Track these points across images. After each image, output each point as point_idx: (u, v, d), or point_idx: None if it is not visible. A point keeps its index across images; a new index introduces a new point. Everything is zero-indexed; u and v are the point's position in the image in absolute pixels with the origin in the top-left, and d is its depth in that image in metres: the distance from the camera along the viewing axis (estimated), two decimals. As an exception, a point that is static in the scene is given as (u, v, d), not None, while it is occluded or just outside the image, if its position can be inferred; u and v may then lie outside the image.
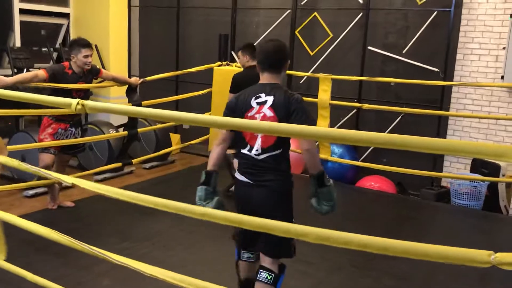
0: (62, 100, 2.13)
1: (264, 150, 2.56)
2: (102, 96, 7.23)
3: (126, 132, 5.42)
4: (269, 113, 2.55)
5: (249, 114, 2.60)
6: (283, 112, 2.54)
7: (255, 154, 2.57)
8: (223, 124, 2.07)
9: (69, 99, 2.07)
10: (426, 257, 1.66)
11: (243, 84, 4.99)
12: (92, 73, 4.56)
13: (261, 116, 2.56)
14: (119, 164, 5.55)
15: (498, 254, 1.62)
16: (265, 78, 2.68)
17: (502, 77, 5.38)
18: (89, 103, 2.03)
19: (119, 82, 5.12)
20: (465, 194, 5.31)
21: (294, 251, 2.62)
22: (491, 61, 5.62)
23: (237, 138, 2.66)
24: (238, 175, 2.66)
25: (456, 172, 5.83)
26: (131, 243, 3.95)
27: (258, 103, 2.60)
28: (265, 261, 2.59)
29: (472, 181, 5.32)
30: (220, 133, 2.72)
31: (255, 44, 6.91)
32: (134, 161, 5.76)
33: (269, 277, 2.55)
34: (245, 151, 2.61)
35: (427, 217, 5.09)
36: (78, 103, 2.02)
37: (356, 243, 1.65)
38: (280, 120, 2.52)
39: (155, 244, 3.95)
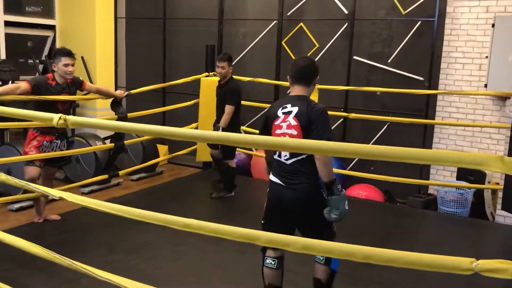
0: (44, 115, 2.11)
1: (291, 155, 2.86)
2: (89, 108, 7.20)
3: (112, 144, 5.39)
4: (293, 122, 2.86)
5: (275, 123, 2.93)
6: (305, 121, 2.84)
7: (284, 159, 2.89)
8: (208, 138, 2.07)
9: (51, 114, 2.05)
10: (410, 265, 1.68)
11: (241, 94, 5.30)
12: (75, 85, 4.54)
13: (286, 125, 2.89)
14: (106, 176, 5.51)
15: (480, 261, 1.64)
16: (295, 90, 2.98)
17: (486, 86, 5.45)
18: (71, 118, 2.02)
19: (103, 94, 5.10)
20: (452, 202, 5.35)
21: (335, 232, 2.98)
22: (474, 70, 5.69)
23: None
24: (272, 177, 2.97)
25: (442, 180, 5.87)
26: (118, 255, 3.92)
27: (283, 113, 2.91)
28: None
29: (458, 189, 5.36)
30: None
31: (242, 54, 7.00)
32: (121, 172, 5.72)
33: (321, 258, 2.97)
34: (276, 156, 2.95)
35: (415, 225, 5.11)
36: (60, 118, 2.01)
37: (339, 252, 1.66)
38: (302, 128, 2.84)
39: (142, 257, 3.92)
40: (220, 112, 5.38)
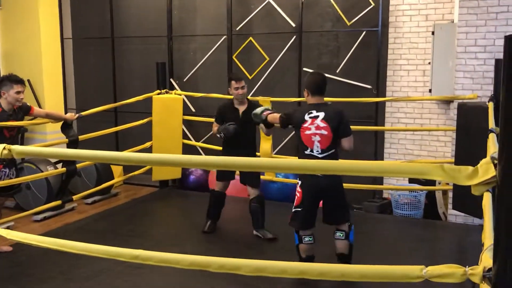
0: (-14, 147, 2.05)
1: (323, 151, 3.61)
2: (39, 132, 7.00)
3: (64, 169, 5.25)
4: (322, 124, 3.59)
5: (304, 125, 3.62)
6: (335, 123, 3.61)
7: (317, 153, 3.61)
8: (162, 162, 2.06)
9: (-6, 145, 2.00)
10: (362, 279, 1.71)
11: None
12: (22, 110, 4.42)
13: (315, 127, 3.59)
14: (59, 202, 5.36)
15: (429, 268, 1.68)
16: (315, 99, 3.69)
17: (430, 91, 5.67)
18: (16, 147, 1.97)
19: (53, 118, 4.99)
20: (406, 204, 5.50)
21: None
22: (419, 76, 5.91)
23: (300, 143, 3.69)
24: None
25: (395, 183, 6.04)
26: (75, 283, 3.82)
27: (310, 117, 3.61)
28: (339, 225, 3.78)
29: (411, 191, 5.53)
30: None
31: (194, 70, 7.00)
32: (75, 197, 5.57)
33: (341, 235, 3.74)
34: (308, 152, 3.63)
35: (371, 230, 5.22)
36: (4, 148, 1.95)
37: (296, 272, 1.68)
38: (332, 128, 3.60)
39: (100, 283, 3.83)
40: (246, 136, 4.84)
